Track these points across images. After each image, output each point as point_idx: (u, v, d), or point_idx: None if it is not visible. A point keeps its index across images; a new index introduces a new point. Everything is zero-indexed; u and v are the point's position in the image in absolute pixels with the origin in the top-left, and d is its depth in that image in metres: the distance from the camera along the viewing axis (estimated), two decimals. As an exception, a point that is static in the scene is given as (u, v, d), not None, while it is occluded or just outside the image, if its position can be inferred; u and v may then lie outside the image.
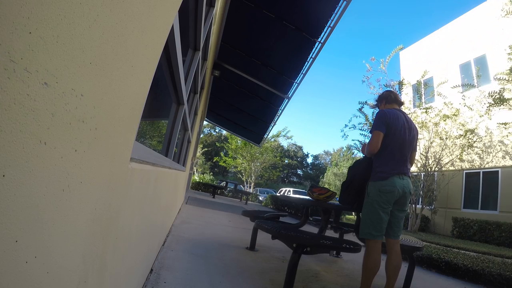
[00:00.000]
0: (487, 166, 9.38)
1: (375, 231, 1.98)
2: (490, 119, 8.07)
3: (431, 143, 9.55)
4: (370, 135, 2.14)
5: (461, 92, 8.81)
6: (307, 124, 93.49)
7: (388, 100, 2.31)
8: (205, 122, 13.31)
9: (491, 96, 6.57)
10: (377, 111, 2.24)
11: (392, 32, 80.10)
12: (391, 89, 2.90)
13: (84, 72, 0.46)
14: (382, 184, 2.01)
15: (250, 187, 22.36)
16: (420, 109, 9.77)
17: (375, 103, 2.47)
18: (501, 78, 6.67)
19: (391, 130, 2.07)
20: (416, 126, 9.89)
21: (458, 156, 9.28)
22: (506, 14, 6.33)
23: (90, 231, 0.62)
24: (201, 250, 2.76)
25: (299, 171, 53.87)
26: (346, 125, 10.49)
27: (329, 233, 3.66)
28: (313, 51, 4.41)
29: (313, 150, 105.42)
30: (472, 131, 8.81)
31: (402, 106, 2.35)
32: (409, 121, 2.19)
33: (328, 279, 2.53)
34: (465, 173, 10.02)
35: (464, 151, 9.25)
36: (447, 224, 9.67)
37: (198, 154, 23.70)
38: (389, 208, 2.01)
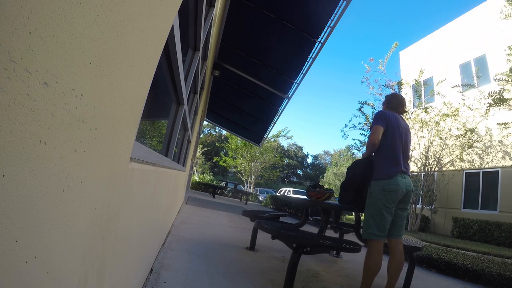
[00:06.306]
0: (487, 166, 9.38)
1: (379, 231, 1.98)
2: (487, 119, 8.08)
3: (431, 142, 9.55)
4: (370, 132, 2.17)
5: (461, 92, 8.81)
6: (307, 124, 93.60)
7: (389, 106, 2.35)
8: (205, 122, 13.31)
9: (491, 96, 6.57)
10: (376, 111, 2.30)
11: (392, 34, 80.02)
12: (397, 93, 2.95)
13: (84, 72, 0.46)
14: (387, 183, 2.01)
15: (250, 187, 22.34)
16: (420, 108, 9.77)
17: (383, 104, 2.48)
18: (500, 79, 6.67)
19: (393, 129, 2.11)
20: (416, 126, 9.75)
21: (458, 156, 9.28)
22: (505, 17, 6.35)
23: (90, 231, 0.62)
24: (201, 250, 2.76)
25: (299, 171, 53.82)
26: (346, 125, 10.53)
27: (329, 233, 3.66)
28: (313, 51, 4.42)
29: (313, 150, 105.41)
30: (472, 131, 8.82)
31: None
32: (405, 124, 2.27)
33: (328, 279, 2.53)
34: (465, 173, 10.02)
35: (464, 151, 9.25)
36: (447, 224, 9.67)
37: (198, 154, 23.68)
38: (392, 208, 2.01)
